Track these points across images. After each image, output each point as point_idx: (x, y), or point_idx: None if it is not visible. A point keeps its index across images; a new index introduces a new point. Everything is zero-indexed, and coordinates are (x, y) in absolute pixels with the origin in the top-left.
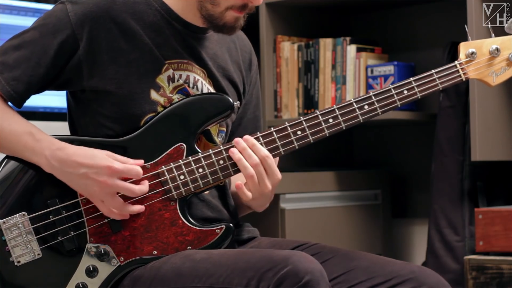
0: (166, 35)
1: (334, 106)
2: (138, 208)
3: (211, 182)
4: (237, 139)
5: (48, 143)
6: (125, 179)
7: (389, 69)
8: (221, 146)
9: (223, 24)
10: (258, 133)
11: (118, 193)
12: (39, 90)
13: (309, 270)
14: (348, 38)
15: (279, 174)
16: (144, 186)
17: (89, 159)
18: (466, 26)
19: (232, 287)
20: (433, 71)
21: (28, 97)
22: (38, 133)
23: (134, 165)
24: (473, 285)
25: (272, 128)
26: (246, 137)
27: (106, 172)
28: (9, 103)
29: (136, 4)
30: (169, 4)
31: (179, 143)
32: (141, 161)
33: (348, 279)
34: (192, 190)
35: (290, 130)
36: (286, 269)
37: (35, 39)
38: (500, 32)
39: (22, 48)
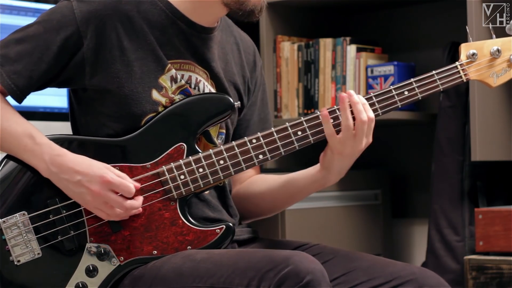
0: (169, 35)
1: (335, 106)
2: (136, 211)
3: (212, 182)
4: (345, 95)
5: (47, 148)
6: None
7: (389, 69)
8: (221, 146)
9: (252, 7)
10: (259, 133)
11: None
12: (40, 87)
13: (310, 270)
14: (348, 38)
15: (363, 143)
16: (137, 202)
17: (85, 167)
18: (467, 27)
19: (233, 287)
20: (434, 72)
21: (28, 93)
22: (38, 136)
23: (128, 182)
24: (473, 285)
25: (272, 128)
26: (351, 93)
27: (99, 182)
28: (9, 99)
29: (141, 3)
30: (175, 3)
31: (180, 143)
32: (138, 185)
33: (348, 280)
34: (192, 190)
35: (290, 131)
36: (287, 269)
37: (39, 33)
38: (501, 32)
39: (25, 42)
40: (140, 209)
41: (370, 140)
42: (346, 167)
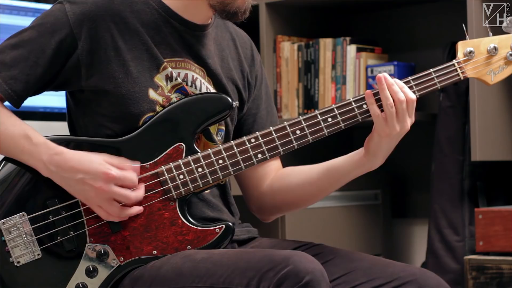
0: (164, 34)
1: (333, 105)
2: (137, 210)
3: (211, 182)
4: (381, 75)
5: (45, 148)
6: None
7: (389, 69)
8: (220, 145)
9: (236, 9)
10: (257, 132)
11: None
12: (37, 91)
13: (310, 270)
14: (348, 38)
15: (408, 123)
16: (140, 192)
17: (86, 164)
18: (463, 25)
19: (232, 287)
20: (431, 70)
21: (26, 97)
22: (35, 137)
23: (130, 173)
24: (473, 285)
25: (271, 127)
26: (386, 75)
27: (102, 178)
28: (7, 104)
29: (134, 3)
30: (167, 2)
31: (178, 143)
32: (138, 164)
33: (348, 280)
34: (192, 190)
35: (289, 130)
36: (287, 269)
37: (33, 38)
38: (498, 31)
39: (20, 47)
40: (142, 208)
41: (413, 119)
42: (391, 149)
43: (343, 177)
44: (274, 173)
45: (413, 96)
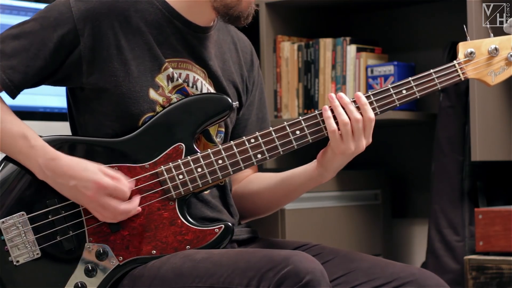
0: (166, 34)
1: None
2: (134, 212)
3: (210, 182)
4: (332, 94)
5: (42, 151)
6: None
7: (389, 69)
8: (220, 145)
9: (239, 13)
10: (257, 132)
11: None
12: (35, 84)
13: (310, 270)
14: (348, 38)
15: (363, 143)
16: (132, 205)
17: (80, 172)
18: (464, 26)
19: (232, 287)
20: (431, 70)
21: (23, 89)
22: (33, 138)
23: (123, 185)
24: (473, 285)
25: (271, 128)
26: (341, 95)
27: (93, 187)
28: (3, 95)
29: (138, 2)
30: (171, 3)
31: (178, 143)
32: (132, 185)
33: (348, 280)
34: (191, 190)
35: (288, 130)
36: (287, 269)
37: (35, 30)
38: (499, 32)
39: (21, 38)
40: (139, 208)
41: (370, 140)
42: (344, 165)
43: (297, 188)
44: (243, 178)
45: (372, 115)
